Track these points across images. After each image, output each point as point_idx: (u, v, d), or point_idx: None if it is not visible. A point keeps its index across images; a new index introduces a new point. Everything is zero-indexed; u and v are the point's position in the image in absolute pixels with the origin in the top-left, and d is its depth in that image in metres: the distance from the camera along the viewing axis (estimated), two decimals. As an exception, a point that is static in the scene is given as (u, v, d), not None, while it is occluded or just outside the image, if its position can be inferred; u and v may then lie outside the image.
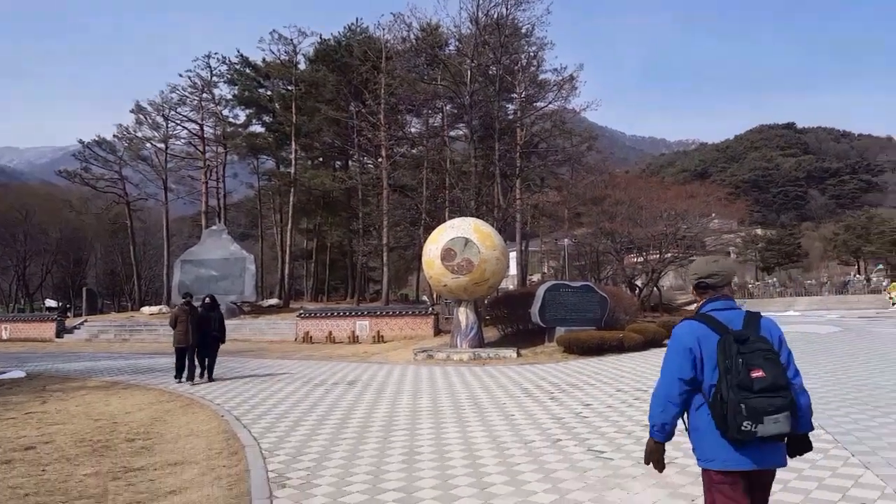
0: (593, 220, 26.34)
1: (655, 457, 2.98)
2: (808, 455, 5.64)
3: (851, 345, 15.67)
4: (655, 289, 27.64)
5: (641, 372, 12.62)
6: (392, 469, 5.92)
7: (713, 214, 32.34)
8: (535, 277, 50.60)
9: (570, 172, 33.83)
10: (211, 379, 13.07)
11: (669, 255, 26.02)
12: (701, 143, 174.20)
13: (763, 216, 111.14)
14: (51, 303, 56.43)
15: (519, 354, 16.19)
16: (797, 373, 2.83)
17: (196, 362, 13.10)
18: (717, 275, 2.99)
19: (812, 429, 2.83)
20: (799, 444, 2.80)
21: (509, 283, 38.43)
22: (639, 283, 27.51)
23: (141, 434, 8.22)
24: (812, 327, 21.12)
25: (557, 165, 33.27)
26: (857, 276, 58.53)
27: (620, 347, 16.29)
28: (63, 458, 6.97)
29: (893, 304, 33.92)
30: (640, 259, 26.66)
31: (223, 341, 13.63)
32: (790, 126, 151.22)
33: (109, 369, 16.38)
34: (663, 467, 3.02)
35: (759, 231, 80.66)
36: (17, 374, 15.55)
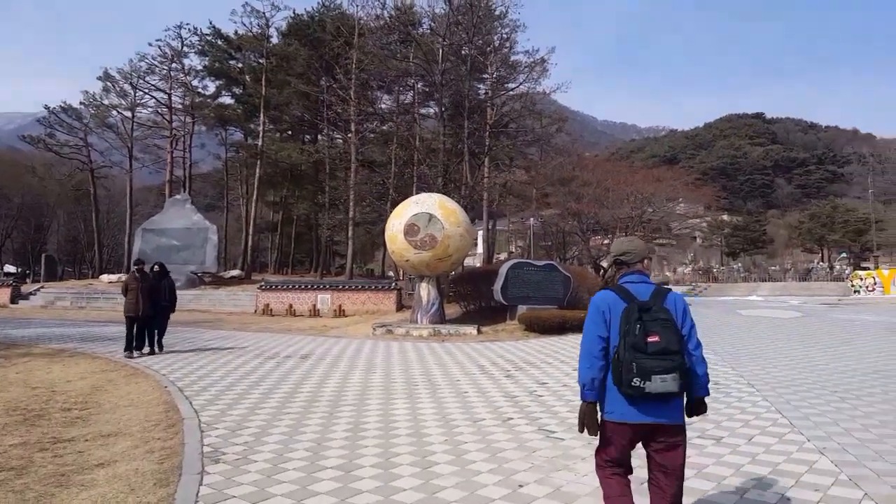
0: (560, 201, 26.31)
1: (589, 419, 3.18)
2: (763, 439, 5.64)
3: (812, 330, 15.86)
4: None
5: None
6: (334, 446, 5.73)
7: (680, 199, 32.56)
8: (503, 256, 50.67)
9: (539, 153, 33.77)
10: (160, 349, 12.53)
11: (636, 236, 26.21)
12: (671, 130, 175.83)
13: (730, 203, 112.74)
14: (10, 268, 55.09)
15: (479, 332, 16.09)
16: (698, 345, 3.22)
17: (145, 336, 12.37)
18: (630, 252, 3.45)
19: (707, 394, 3.25)
20: (696, 406, 3.25)
21: (476, 261, 38.40)
22: (604, 264, 27.67)
23: (78, 403, 7.93)
24: (774, 312, 21.40)
25: (526, 146, 33.20)
26: (821, 263, 59.80)
27: (581, 327, 16.25)
28: (-9, 428, 6.66)
29: (856, 291, 34.63)
30: (606, 240, 26.74)
31: (174, 310, 13.05)
32: (759, 116, 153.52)
33: (59, 336, 15.90)
34: (597, 431, 3.21)
35: (725, 217, 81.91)
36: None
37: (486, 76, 31.10)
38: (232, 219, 52.32)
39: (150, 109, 41.06)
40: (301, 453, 5.50)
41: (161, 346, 12.60)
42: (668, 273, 64.40)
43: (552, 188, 27.52)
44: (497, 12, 28.53)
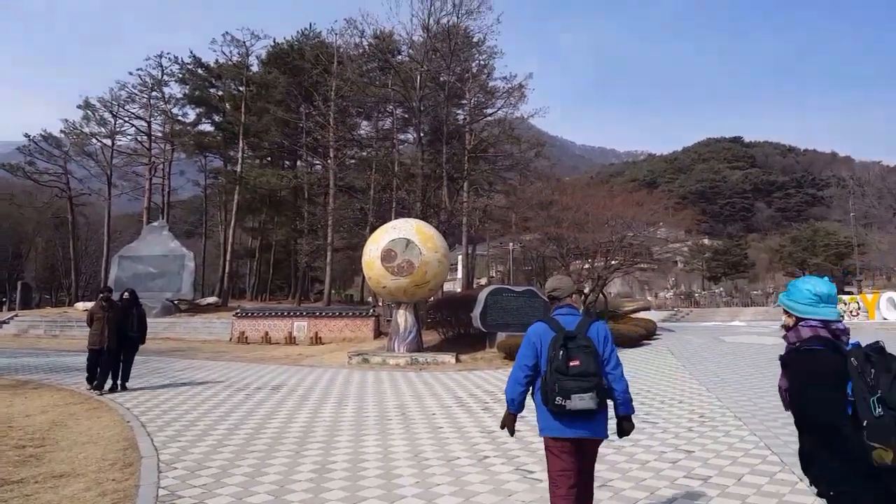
0: (540, 226, 26.25)
1: (509, 423, 3.86)
2: (753, 479, 5.60)
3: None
4: (601, 295, 27.64)
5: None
6: (297, 489, 5.45)
7: (661, 223, 32.62)
8: (483, 281, 50.51)
9: (518, 178, 33.86)
10: (124, 387, 11.30)
11: (615, 262, 26.05)
12: (650, 155, 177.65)
13: (710, 227, 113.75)
14: (-12, 296, 54.08)
15: (458, 360, 15.82)
16: (617, 365, 3.69)
17: (107, 371, 11.19)
18: (559, 289, 3.97)
19: (631, 411, 3.72)
20: (620, 423, 3.73)
21: (457, 286, 38.17)
22: (585, 289, 27.51)
23: (35, 440, 7.58)
24: (759, 338, 21.33)
25: (506, 171, 33.34)
26: (804, 287, 60.10)
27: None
28: (-63, 468, 6.30)
29: (840, 315, 34.73)
30: (587, 265, 26.63)
31: (143, 341, 11.84)
32: (737, 140, 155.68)
33: (26, 367, 15.41)
34: (514, 432, 3.91)
35: (706, 241, 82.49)
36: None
37: (464, 102, 31.31)
38: (211, 245, 51.88)
39: (129, 137, 41.15)
40: (261, 497, 5.22)
41: (125, 384, 11.41)
42: (649, 298, 64.53)
43: (532, 213, 27.48)
44: (475, 39, 28.83)
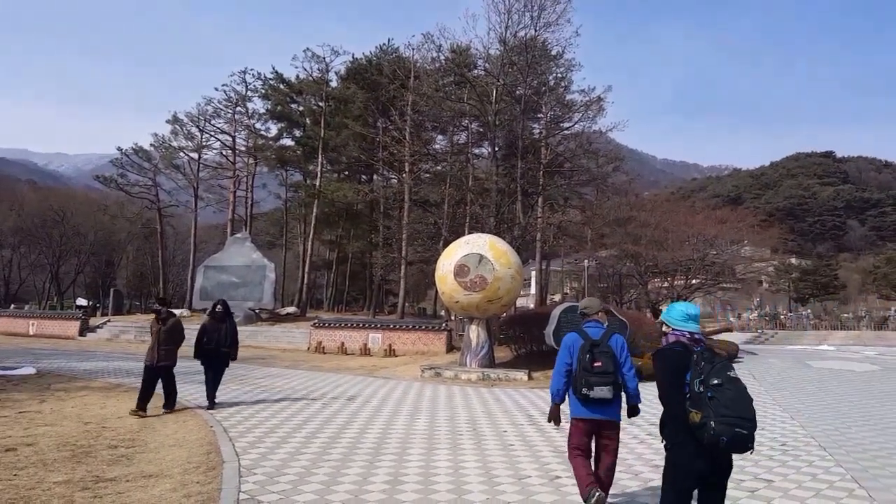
0: (617, 242, 25.70)
1: (555, 414, 5.17)
2: (831, 493, 5.20)
3: (892, 385, 14.75)
4: (680, 315, 26.83)
5: (658, 403, 11.97)
6: (371, 499, 5.53)
7: (745, 241, 31.38)
8: (557, 297, 49.87)
9: (595, 193, 33.33)
10: (212, 404, 10.37)
11: (696, 281, 25.21)
12: (735, 169, 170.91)
13: (798, 245, 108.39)
14: (81, 301, 57.68)
15: (530, 377, 15.65)
16: (630, 367, 5.03)
17: (168, 392, 10.34)
18: (589, 307, 5.37)
19: (639, 401, 5.12)
20: (630, 409, 5.14)
21: (529, 303, 37.83)
22: (663, 308, 26.78)
23: (126, 441, 8.01)
24: (848, 364, 20.13)
25: (582, 185, 32.82)
26: (899, 311, 56.43)
27: (639, 375, 15.58)
28: (40, 463, 6.77)
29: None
30: (666, 284, 25.85)
31: (234, 356, 10.78)
32: (829, 155, 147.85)
33: (118, 370, 16.28)
34: (560, 421, 5.18)
35: (793, 260, 78.62)
36: (28, 370, 15.49)
37: (540, 116, 31.14)
38: (290, 256, 53.44)
39: (214, 151, 42.66)
40: (336, 505, 5.33)
41: (213, 403, 10.44)
42: (731, 319, 61.98)
43: (608, 229, 27.00)
44: (553, 52, 28.65)
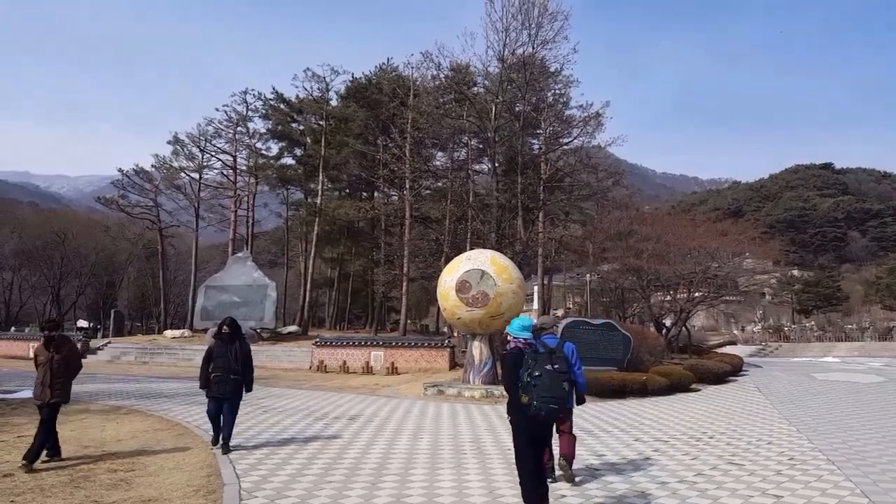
0: (618, 256, 25.63)
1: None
2: None
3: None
4: (684, 329, 26.63)
5: (664, 419, 11.86)
6: (372, 520, 5.42)
7: (747, 254, 31.26)
8: (560, 312, 49.68)
9: (596, 207, 33.34)
10: (227, 447, 8.46)
11: (699, 294, 25.07)
12: (734, 182, 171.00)
13: (800, 257, 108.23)
14: (83, 323, 57.56)
15: (535, 394, 15.51)
16: (580, 367, 6.76)
17: (41, 440, 7.76)
18: (545, 324, 6.67)
19: (585, 391, 6.85)
20: (578, 399, 6.69)
21: (533, 318, 37.63)
22: (667, 322, 26.57)
23: (125, 464, 7.93)
24: (854, 376, 19.97)
25: (582, 200, 32.89)
26: (903, 322, 56.11)
27: (643, 391, 15.48)
28: (38, 489, 6.69)
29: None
30: (668, 298, 25.70)
31: (249, 387, 8.90)
32: (828, 166, 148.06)
33: (118, 392, 16.18)
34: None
35: (795, 272, 78.45)
36: (28, 394, 15.27)
37: (539, 131, 31.22)
38: (292, 275, 53.33)
39: (215, 171, 42.68)
40: (338, 529, 5.22)
41: (227, 443, 8.57)
42: (735, 332, 61.73)
43: (610, 243, 26.93)
44: (552, 69, 28.81)
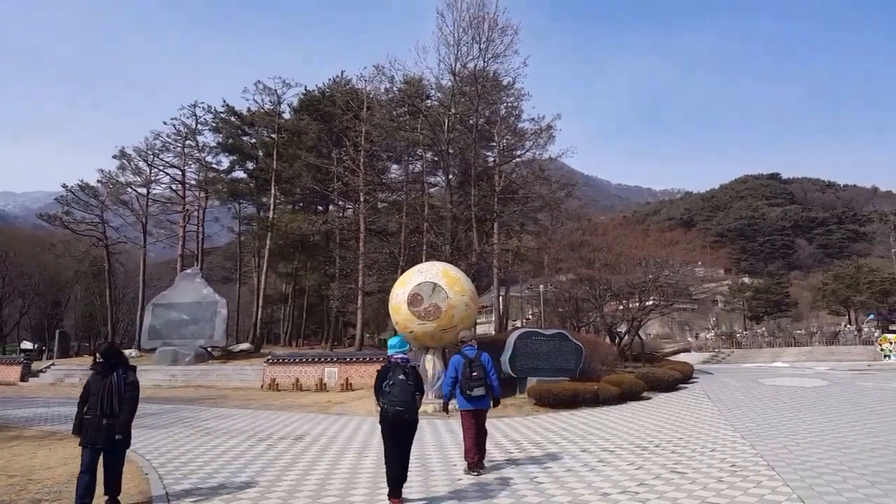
0: (572, 267, 25.84)
1: (445, 408, 8.44)
2: None
3: (839, 401, 14.93)
4: (637, 337, 26.93)
5: (613, 428, 11.86)
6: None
7: (699, 262, 31.86)
8: (518, 323, 49.85)
9: (550, 218, 33.59)
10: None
11: (650, 302, 25.40)
12: (686, 193, 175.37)
13: (751, 265, 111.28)
14: (27, 345, 55.19)
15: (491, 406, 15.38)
16: (495, 374, 8.24)
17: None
18: (465, 336, 8.51)
19: (498, 394, 8.38)
20: (495, 401, 8.27)
21: (491, 330, 37.67)
22: (621, 330, 26.83)
23: (52, 493, 7.58)
24: (798, 381, 20.40)
25: (536, 211, 33.08)
26: (848, 326, 57.83)
27: (595, 400, 15.51)
28: (-52, 525, 6.25)
29: (886, 356, 33.07)
30: (621, 307, 25.97)
31: (121, 434, 6.61)
32: (775, 176, 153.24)
33: (56, 417, 15.48)
34: (448, 411, 8.77)
35: (746, 280, 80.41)
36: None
37: (493, 144, 31.38)
38: (246, 291, 52.33)
39: (164, 186, 41.72)
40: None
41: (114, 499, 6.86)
42: (689, 339, 62.81)
43: (563, 254, 27.15)
44: (504, 82, 28.99)
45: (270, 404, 18.34)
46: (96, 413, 6.52)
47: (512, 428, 12.34)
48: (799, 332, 58.50)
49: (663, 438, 10.50)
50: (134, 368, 7.05)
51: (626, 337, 25.87)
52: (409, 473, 6.87)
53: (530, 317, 56.73)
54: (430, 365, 16.34)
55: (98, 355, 7.16)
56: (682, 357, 37.14)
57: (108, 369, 6.72)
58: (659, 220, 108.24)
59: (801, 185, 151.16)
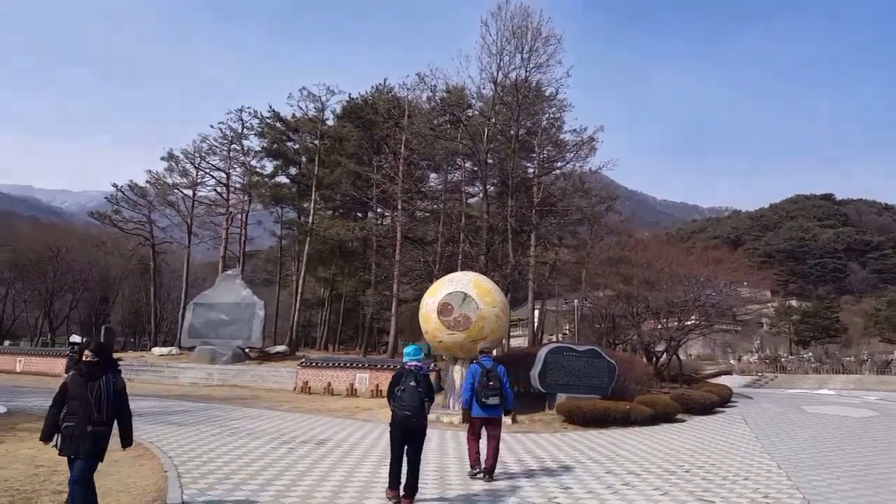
0: (609, 283, 25.33)
1: (465, 417, 8.63)
2: None
3: (888, 433, 14.15)
4: (675, 357, 26.22)
5: (642, 450, 11.50)
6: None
7: (745, 283, 30.95)
8: (554, 338, 49.20)
9: (590, 232, 33.08)
10: None
11: (690, 322, 24.69)
12: (735, 211, 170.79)
13: (799, 287, 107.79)
14: (75, 338, 57.09)
15: (514, 420, 15.15)
16: (508, 385, 8.65)
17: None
18: (486, 348, 9.56)
19: (511, 404, 9.06)
20: (507, 412, 9.32)
21: (525, 343, 37.25)
22: (659, 349, 26.15)
23: (72, 487, 7.58)
24: (845, 409, 19.52)
25: (575, 224, 32.63)
26: (903, 354, 55.45)
27: (627, 420, 15.09)
28: (-30, 511, 6.37)
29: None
30: (660, 326, 25.32)
31: (128, 442, 6.28)
32: (828, 197, 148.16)
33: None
34: (469, 421, 8.58)
35: (793, 302, 77.90)
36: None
37: (534, 155, 31.14)
38: (286, 294, 52.97)
39: (209, 188, 42.43)
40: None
41: None
42: (732, 361, 61.07)
43: (601, 269, 26.68)
44: (547, 93, 28.75)
45: (300, 407, 18.41)
46: (80, 420, 5.69)
47: (537, 444, 12.08)
48: (848, 359, 56.29)
49: (694, 463, 10.12)
50: (120, 371, 6.28)
51: (664, 357, 25.21)
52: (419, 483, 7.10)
53: (567, 332, 56.03)
54: (458, 375, 16.18)
55: (88, 352, 5.98)
56: (722, 380, 36.07)
57: (97, 371, 5.84)
58: (705, 237, 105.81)
59: (856, 207, 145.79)
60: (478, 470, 8.39)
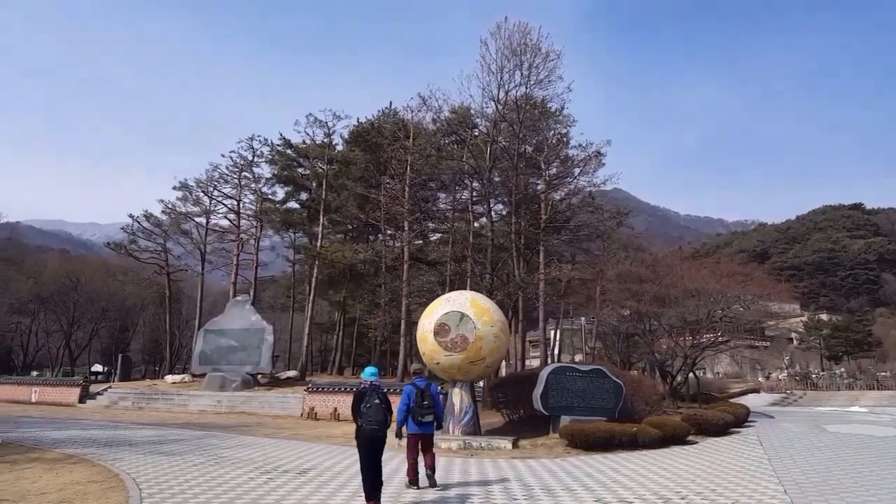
0: (618, 300, 24.62)
1: (399, 432, 9.38)
2: None
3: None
4: (693, 376, 25.32)
5: (642, 475, 10.86)
6: None
7: (766, 293, 29.96)
8: (572, 358, 48.32)
9: (602, 249, 32.43)
10: None
11: (705, 339, 23.82)
12: (761, 224, 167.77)
13: (831, 301, 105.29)
14: (98, 367, 57.67)
15: (516, 445, 14.54)
16: (440, 402, 10.13)
17: None
18: (419, 370, 10.31)
19: (442, 420, 10.82)
20: (438, 425, 9.87)
21: (534, 364, 36.45)
22: (671, 367, 25.28)
23: (29, 523, 7.29)
24: (871, 428, 18.50)
25: (585, 241, 32.01)
26: (941, 369, 53.44)
27: (633, 443, 14.37)
28: None
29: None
30: (673, 343, 24.48)
31: None
32: (858, 206, 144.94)
33: (85, 440, 15.54)
34: (402, 437, 9.49)
35: (823, 316, 75.84)
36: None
37: (541, 171, 30.75)
38: (299, 319, 53.01)
39: (221, 215, 42.71)
40: None
41: None
42: (760, 379, 59.43)
43: (612, 286, 25.98)
44: (552, 109, 28.42)
45: (301, 434, 17.97)
46: None
47: (531, 471, 11.46)
48: (883, 374, 54.41)
49: (693, 489, 9.48)
50: None
51: (679, 375, 24.34)
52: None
53: (588, 351, 55.02)
54: (457, 399, 15.69)
55: None
56: (749, 398, 34.91)
57: None
58: (730, 252, 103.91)
59: (888, 216, 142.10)
60: (416, 486, 9.28)
